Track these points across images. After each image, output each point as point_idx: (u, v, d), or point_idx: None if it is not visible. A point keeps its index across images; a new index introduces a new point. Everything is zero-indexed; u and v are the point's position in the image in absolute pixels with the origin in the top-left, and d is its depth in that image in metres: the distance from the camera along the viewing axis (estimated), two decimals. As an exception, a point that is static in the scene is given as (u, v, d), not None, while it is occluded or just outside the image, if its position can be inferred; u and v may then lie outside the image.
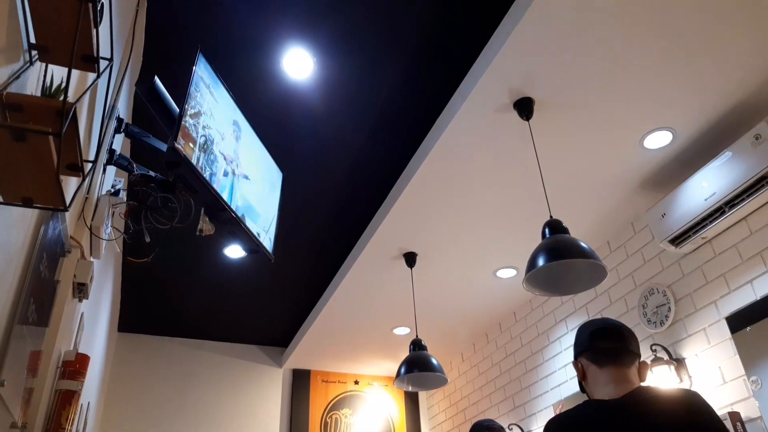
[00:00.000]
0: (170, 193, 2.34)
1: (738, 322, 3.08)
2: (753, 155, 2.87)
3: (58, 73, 1.46)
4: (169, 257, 4.48)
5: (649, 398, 1.47)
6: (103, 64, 1.63)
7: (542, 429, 4.35)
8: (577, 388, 4.10)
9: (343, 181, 3.80)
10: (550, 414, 4.33)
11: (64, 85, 1.27)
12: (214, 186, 2.23)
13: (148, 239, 2.35)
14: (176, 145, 1.98)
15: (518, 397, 4.75)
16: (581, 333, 1.68)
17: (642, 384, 1.57)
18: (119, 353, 5.45)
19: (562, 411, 1.60)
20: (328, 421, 5.76)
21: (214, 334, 5.75)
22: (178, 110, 2.27)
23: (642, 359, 1.69)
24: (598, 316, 4.00)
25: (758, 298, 2.97)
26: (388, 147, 3.52)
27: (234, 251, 4.39)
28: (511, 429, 4.66)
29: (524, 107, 2.86)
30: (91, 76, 1.76)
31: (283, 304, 5.25)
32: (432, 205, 3.59)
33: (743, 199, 2.95)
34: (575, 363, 1.68)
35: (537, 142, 3.13)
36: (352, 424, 5.82)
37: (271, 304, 5.24)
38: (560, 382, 4.29)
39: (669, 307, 3.43)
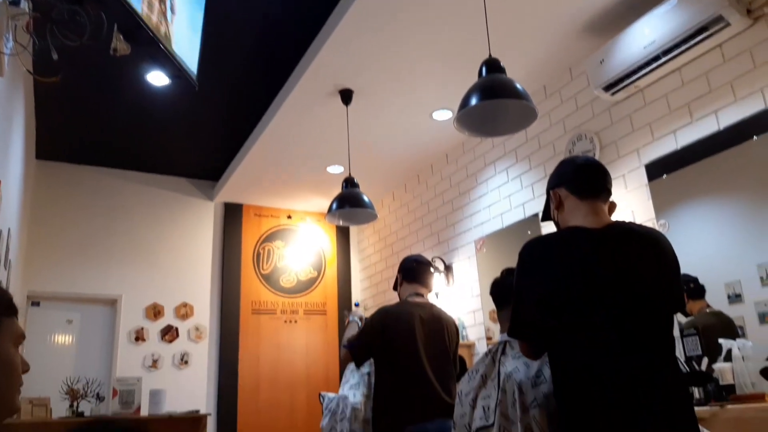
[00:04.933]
0: (78, 5, 2.08)
1: (656, 170, 3.23)
2: (697, 4, 2.82)
3: None
4: (87, 80, 4.15)
5: (626, 231, 1.60)
6: None
7: (471, 258, 4.63)
8: (497, 227, 4.32)
9: (277, 1, 3.51)
10: (471, 250, 4.59)
11: None
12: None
13: (55, 57, 2.13)
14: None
15: (443, 233, 4.98)
16: (566, 165, 1.75)
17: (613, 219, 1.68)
18: (40, 181, 5.23)
19: (532, 238, 1.67)
20: (261, 252, 5.92)
21: (141, 164, 5.58)
22: None
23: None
24: (527, 161, 4.11)
25: (679, 148, 3.10)
26: (325, -31, 3.23)
27: (157, 78, 4.11)
28: (434, 261, 4.93)
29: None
30: None
31: (213, 136, 5.09)
32: (371, 39, 3.40)
33: (681, 49, 2.94)
34: (553, 192, 1.74)
35: (484, -26, 2.94)
36: (284, 256, 6.01)
37: (200, 135, 5.07)
38: (483, 221, 4.50)
39: (594, 153, 3.54)
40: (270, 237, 6.01)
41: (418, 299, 2.86)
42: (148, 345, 5.30)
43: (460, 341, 2.99)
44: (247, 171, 5.24)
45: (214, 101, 4.51)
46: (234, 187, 5.59)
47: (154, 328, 5.35)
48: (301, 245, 6.15)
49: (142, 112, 4.60)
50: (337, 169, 5.23)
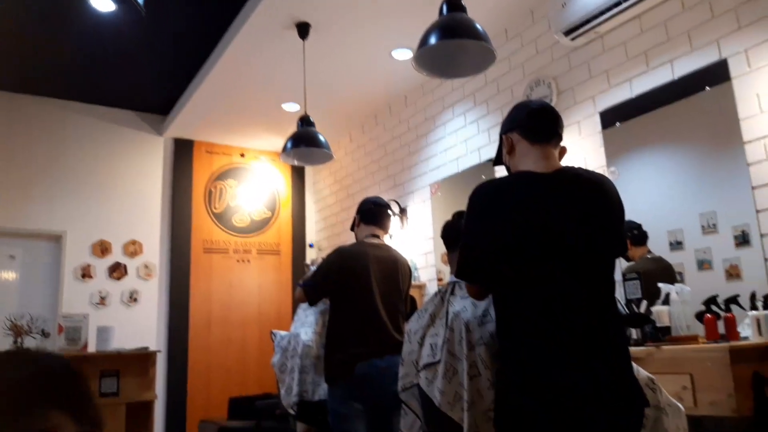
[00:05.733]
0: None
1: (610, 117, 3.26)
2: (662, -52, 2.78)
3: None
4: (28, 5, 3.86)
5: (575, 176, 1.61)
6: None
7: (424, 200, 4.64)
8: (452, 171, 4.33)
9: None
10: (426, 193, 4.60)
11: None
12: None
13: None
14: None
15: (399, 176, 4.97)
16: (519, 110, 1.73)
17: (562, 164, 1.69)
18: (-25, 109, 4.93)
19: (482, 182, 1.67)
20: (212, 190, 5.79)
21: (86, 95, 5.30)
22: None
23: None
24: (485, 105, 4.09)
25: (634, 96, 3.12)
26: None
27: (102, 3, 3.85)
28: (390, 204, 4.94)
29: None
30: None
31: (163, 68, 4.86)
32: (329, -32, 3.26)
33: (642, -5, 2.93)
34: (505, 137, 1.74)
35: None
36: (237, 195, 5.91)
37: (149, 67, 4.83)
38: (439, 164, 4.50)
39: (551, 99, 3.54)
40: (222, 175, 5.88)
41: (374, 240, 2.88)
42: (95, 282, 5.19)
43: (412, 282, 3.03)
44: (198, 106, 5.05)
45: (164, 31, 4.28)
46: (184, 122, 5.40)
47: (101, 265, 5.24)
48: (255, 184, 6.04)
49: (88, 40, 4.34)
50: (292, 107, 5.10)
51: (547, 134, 1.68)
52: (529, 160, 1.66)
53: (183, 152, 5.73)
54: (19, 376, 0.91)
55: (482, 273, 1.60)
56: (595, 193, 1.59)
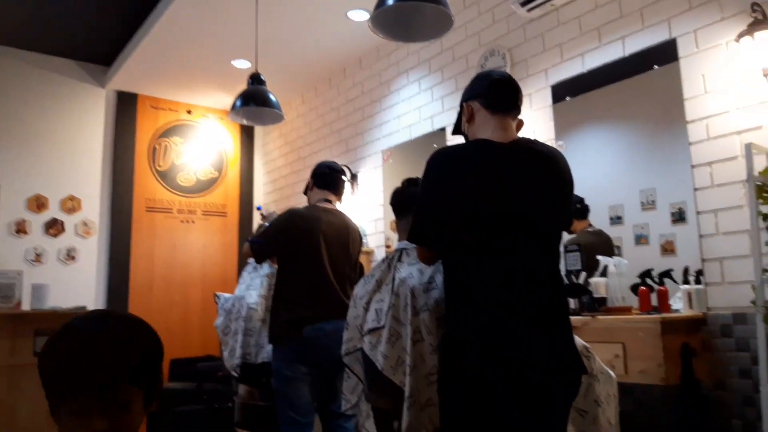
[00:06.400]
0: None
1: (561, 91, 3.30)
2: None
3: None
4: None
5: (530, 148, 1.65)
6: None
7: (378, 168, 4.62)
8: (405, 139, 4.31)
9: None
10: (378, 160, 4.58)
11: None
12: None
13: None
14: None
15: (351, 141, 4.92)
16: (482, 79, 1.75)
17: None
18: None
19: (441, 148, 1.68)
20: (157, 147, 5.60)
21: (22, 41, 4.98)
22: None
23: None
24: (440, 73, 4.07)
25: (585, 71, 3.16)
26: None
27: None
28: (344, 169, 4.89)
29: None
30: None
31: (106, 15, 4.60)
32: None
33: (599, -30, 2.94)
34: (466, 105, 1.75)
35: None
36: (182, 153, 5.73)
37: (91, 13, 4.57)
38: (392, 131, 4.47)
39: (505, 70, 3.55)
40: (168, 132, 5.68)
41: (326, 205, 2.86)
42: (30, 238, 4.97)
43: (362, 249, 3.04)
44: (143, 58, 4.83)
45: (107, -25, 4.05)
46: (129, 74, 5.16)
47: (37, 221, 5.01)
48: (202, 143, 5.87)
49: (21, -22, 4.06)
50: (243, 64, 4.94)
51: (507, 105, 1.70)
52: (487, 129, 1.68)
53: (126, 106, 5.49)
54: (114, 353, 0.93)
55: (436, 238, 1.61)
56: (549, 167, 1.63)
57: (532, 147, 1.66)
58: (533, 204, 1.57)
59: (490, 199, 1.55)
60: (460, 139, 1.80)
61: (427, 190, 1.64)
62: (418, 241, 1.66)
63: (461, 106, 1.78)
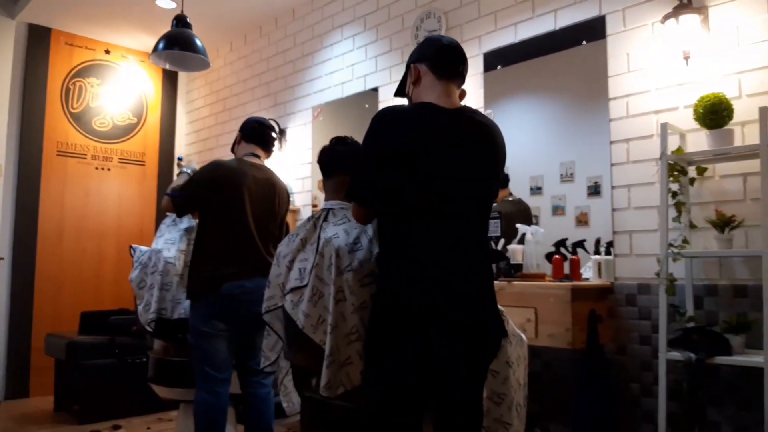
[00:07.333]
0: None
1: (492, 60, 3.33)
2: None
3: None
4: None
5: (472, 116, 1.69)
6: None
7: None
8: (336, 96, 4.24)
9: None
10: (308, 116, 4.49)
11: None
12: None
13: None
14: None
15: (281, 95, 4.79)
16: (431, 43, 1.76)
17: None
18: None
19: (386, 107, 1.68)
20: (71, 87, 5.23)
21: None
22: None
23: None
24: (374, 31, 4.01)
25: (517, 41, 3.20)
26: None
27: None
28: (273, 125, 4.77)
29: None
30: None
31: (13, -62, 4.20)
32: None
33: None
34: (413, 67, 1.75)
35: None
36: (99, 95, 5.39)
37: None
38: (324, 87, 4.38)
39: (439, 34, 3.54)
40: (83, 72, 5.31)
41: (254, 160, 2.79)
42: (-77, 178, 4.57)
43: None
44: (57, -11, 4.46)
45: None
46: (42, 6, 4.75)
47: (-69, 160, 4.61)
48: (120, 86, 5.53)
49: None
50: (168, 4, 4.66)
51: (454, 72, 1.73)
52: (432, 93, 1.69)
53: (38, 41, 5.07)
54: None
55: (376, 197, 1.61)
56: (488, 137, 1.67)
57: (474, 116, 1.69)
58: (476, 170, 1.62)
59: (435, 162, 1.57)
60: (397, 101, 1.80)
61: (369, 148, 1.63)
62: (357, 200, 1.66)
63: (408, 67, 1.79)
